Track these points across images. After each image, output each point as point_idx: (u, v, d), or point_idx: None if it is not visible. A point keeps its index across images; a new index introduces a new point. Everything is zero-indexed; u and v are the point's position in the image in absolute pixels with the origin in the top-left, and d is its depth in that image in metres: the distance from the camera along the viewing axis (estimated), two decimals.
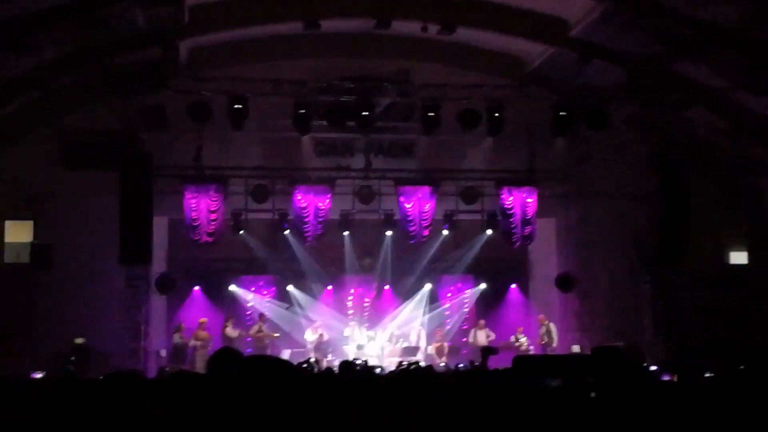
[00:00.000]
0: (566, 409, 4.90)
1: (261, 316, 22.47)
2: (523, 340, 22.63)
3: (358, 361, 17.36)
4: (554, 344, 22.57)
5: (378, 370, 14.38)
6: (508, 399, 4.81)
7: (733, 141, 22.41)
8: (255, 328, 22.23)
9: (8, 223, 22.33)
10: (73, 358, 19.86)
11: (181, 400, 5.27)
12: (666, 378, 13.41)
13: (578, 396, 5.45)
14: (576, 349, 22.17)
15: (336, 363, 16.95)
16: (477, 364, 17.06)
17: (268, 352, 21.60)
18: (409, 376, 8.73)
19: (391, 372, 13.79)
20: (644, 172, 21.94)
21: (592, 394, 5.48)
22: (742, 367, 14.83)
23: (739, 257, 24.65)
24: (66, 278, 21.01)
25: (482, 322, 23.09)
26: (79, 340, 20.42)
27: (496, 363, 14.50)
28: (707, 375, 13.87)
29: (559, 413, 4.77)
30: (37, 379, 13.75)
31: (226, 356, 5.14)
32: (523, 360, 13.23)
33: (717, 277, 23.21)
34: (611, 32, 19.37)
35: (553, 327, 22.72)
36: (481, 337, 22.52)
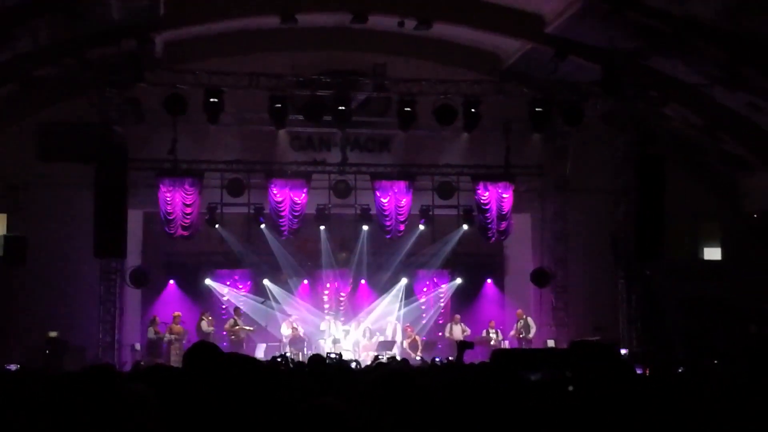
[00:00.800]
0: (545, 402, 4.93)
1: (236, 310, 22.40)
2: (494, 335, 22.69)
3: (331, 355, 17.39)
4: (530, 338, 22.66)
5: (353, 364, 14.39)
6: (487, 393, 4.83)
7: (708, 137, 22.59)
8: (230, 322, 22.17)
9: None
10: (47, 351, 19.72)
11: (157, 394, 5.25)
12: (639, 371, 13.51)
13: (557, 390, 5.49)
14: (551, 343, 22.28)
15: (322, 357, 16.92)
16: (452, 358, 17.12)
17: (244, 346, 21.62)
18: (384, 369, 8.74)
19: (366, 366, 13.79)
20: (620, 167, 22.07)
21: (570, 388, 5.52)
22: (715, 361, 15.03)
23: (712, 253, 24.84)
24: (40, 271, 20.85)
25: (458, 316, 23.16)
26: (53, 334, 20.28)
27: (470, 357, 14.58)
28: (680, 370, 14.03)
29: (538, 407, 4.80)
30: (11, 371, 13.62)
31: (202, 350, 5.14)
32: (501, 353, 13.27)
33: (691, 271, 23.39)
34: (587, 28, 19.43)
35: (531, 321, 22.81)
36: (457, 331, 22.59)
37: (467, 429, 4.42)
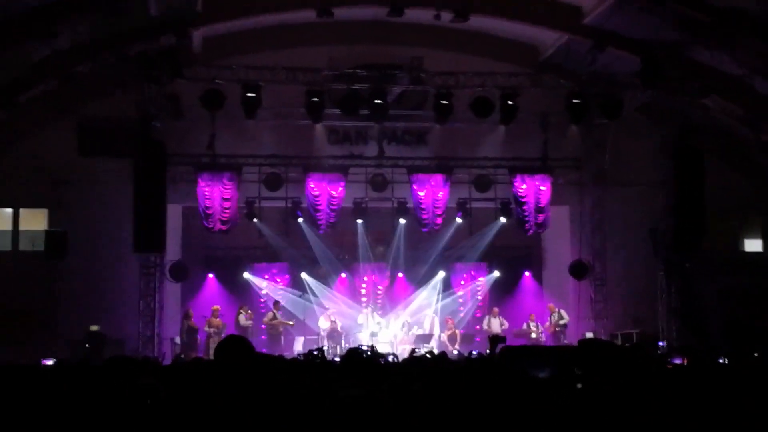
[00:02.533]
0: (553, 400, 4.91)
1: (276, 303, 22.50)
2: (534, 327, 22.61)
3: (364, 347, 17.40)
4: (566, 329, 22.54)
5: (390, 358, 14.39)
6: (494, 389, 4.82)
7: (749, 128, 22.28)
8: (269, 315, 22.29)
9: (23, 211, 22.49)
10: (87, 345, 19.96)
11: (193, 387, 5.32)
12: (677, 362, 13.41)
13: (565, 387, 5.46)
14: (590, 336, 22.15)
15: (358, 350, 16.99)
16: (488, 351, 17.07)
17: (282, 339, 21.73)
18: (419, 362, 8.74)
19: (403, 359, 13.81)
20: (659, 159, 21.85)
21: (579, 386, 5.49)
22: (756, 354, 14.83)
23: (753, 245, 24.54)
24: (81, 266, 21.13)
25: (496, 309, 23.09)
26: (94, 328, 20.52)
27: None
28: (721, 361, 13.88)
29: (546, 404, 4.78)
30: (47, 366, 13.80)
31: (232, 345, 5.18)
32: (510, 350, 13.21)
33: (732, 264, 23.11)
34: (625, 19, 19.27)
35: (564, 313, 22.69)
36: (495, 324, 22.53)
37: (473, 424, 4.43)
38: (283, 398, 3.81)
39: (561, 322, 22.57)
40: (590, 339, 19.97)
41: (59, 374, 5.42)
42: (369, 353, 14.57)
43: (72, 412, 4.94)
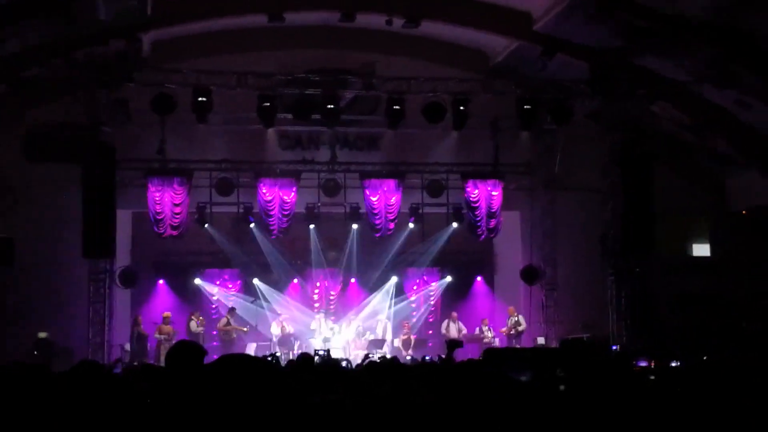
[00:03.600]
0: (536, 402, 4.94)
1: (232, 310, 22.41)
2: (488, 332, 22.74)
3: (320, 352, 17.34)
4: (521, 333, 22.72)
5: (344, 363, 14.36)
6: (477, 393, 4.83)
7: (696, 135, 22.64)
8: (222, 321, 22.16)
9: None
10: (36, 352, 19.64)
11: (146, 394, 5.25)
12: (643, 364, 13.55)
13: (548, 389, 5.49)
14: (541, 341, 22.39)
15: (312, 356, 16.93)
16: (443, 357, 17.10)
17: (235, 346, 21.58)
18: (375, 367, 8.72)
19: (357, 365, 13.78)
20: (608, 165, 22.09)
21: (561, 387, 5.52)
22: (705, 357, 15.06)
23: (702, 249, 24.91)
24: (29, 272, 20.76)
25: (455, 314, 23.14)
26: (42, 335, 20.22)
27: (462, 355, 14.59)
28: (673, 364, 14.06)
29: (528, 407, 4.80)
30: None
31: (184, 350, 5.11)
32: (492, 353, 13.27)
33: (680, 268, 23.45)
34: (575, 26, 19.45)
35: (522, 319, 22.86)
36: (453, 329, 22.59)
37: (457, 429, 4.43)
38: (250, 403, 3.77)
39: (519, 328, 22.72)
40: (573, 339, 20.19)
41: (17, 377, 5.31)
42: (324, 358, 14.51)
43: (33, 418, 4.85)
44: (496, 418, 4.56)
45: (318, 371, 7.88)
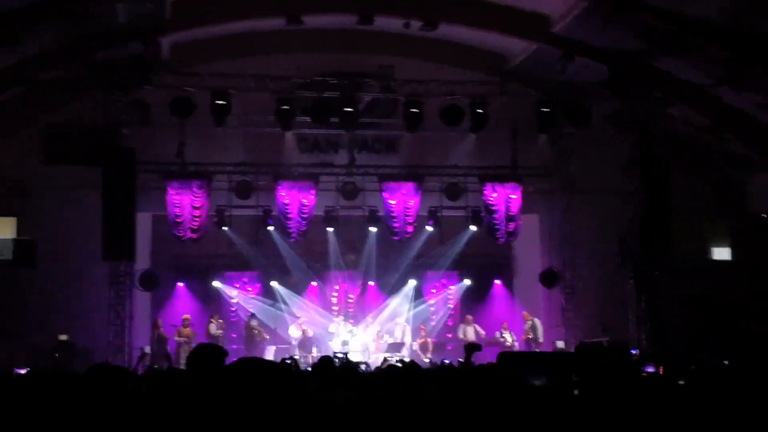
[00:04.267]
0: (550, 408, 4.91)
1: (252, 315, 22.47)
2: (508, 336, 22.65)
3: (338, 355, 17.34)
4: (540, 340, 22.63)
5: (363, 367, 14.36)
6: (492, 398, 4.81)
7: (714, 137, 22.51)
8: (253, 322, 22.22)
9: None
10: (56, 354, 19.75)
11: (165, 397, 5.27)
12: (650, 369, 13.45)
13: (562, 394, 5.45)
14: (560, 344, 22.23)
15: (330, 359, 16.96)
16: (461, 360, 17.05)
17: (256, 349, 21.59)
18: (394, 371, 8.72)
19: (376, 368, 13.77)
20: (626, 168, 21.99)
21: (576, 392, 5.48)
22: (725, 362, 14.95)
23: (721, 253, 24.73)
24: (50, 274, 20.88)
25: (470, 317, 23.08)
26: (63, 337, 20.31)
27: (482, 359, 14.54)
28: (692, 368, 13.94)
29: (542, 412, 4.77)
30: (20, 374, 13.60)
31: (205, 352, 5.13)
32: (507, 357, 13.23)
33: (700, 271, 23.29)
34: (593, 29, 19.40)
35: (538, 323, 22.77)
36: (470, 332, 22.52)
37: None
38: (268, 405, 3.78)
39: (535, 332, 22.62)
40: (588, 344, 20.05)
41: (39, 382, 5.34)
42: (343, 361, 14.51)
43: (57, 422, 4.87)
44: (507, 421, 4.54)
45: (337, 374, 7.89)
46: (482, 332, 22.66)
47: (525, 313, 23.14)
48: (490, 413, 4.65)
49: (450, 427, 4.67)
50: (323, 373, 7.91)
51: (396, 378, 5.85)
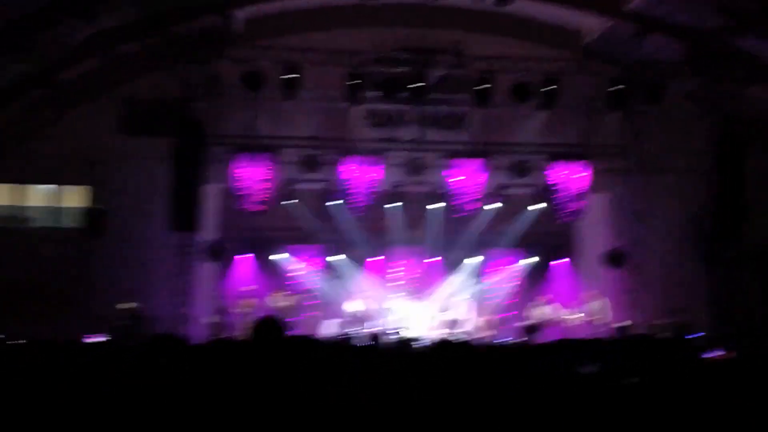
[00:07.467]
0: (600, 397, 4.84)
1: (307, 288, 22.61)
2: (571, 315, 22.42)
3: (394, 332, 17.34)
4: (607, 320, 22.35)
5: (417, 343, 14.35)
6: (543, 385, 4.76)
7: None
8: (297, 298, 22.35)
9: (67, 188, 22.72)
10: (126, 323, 20.11)
11: (224, 366, 5.33)
12: (717, 353, 13.20)
13: (613, 383, 5.37)
14: (625, 326, 21.92)
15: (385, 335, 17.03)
16: (525, 339, 17.00)
17: (314, 321, 21.75)
18: (443, 349, 8.68)
19: (432, 343, 13.76)
20: (702, 148, 21.53)
21: (632, 380, 5.40)
22: None
23: None
24: (117, 244, 21.31)
25: (543, 297, 22.86)
26: (132, 305, 20.69)
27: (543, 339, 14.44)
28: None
29: (592, 401, 4.71)
30: (93, 342, 13.90)
31: (268, 324, 5.18)
32: (562, 343, 13.10)
33: None
34: (671, 5, 18.99)
35: (601, 304, 22.49)
36: (541, 311, 22.30)
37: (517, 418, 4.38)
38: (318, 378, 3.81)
39: (599, 313, 22.36)
40: (641, 335, 19.76)
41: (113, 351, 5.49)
42: (398, 338, 14.49)
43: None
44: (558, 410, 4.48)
45: (385, 351, 7.90)
46: (553, 311, 22.39)
47: (592, 292, 22.86)
48: (514, 395, 4.61)
49: (464, 412, 4.63)
50: (370, 351, 7.93)
51: (446, 357, 5.82)
